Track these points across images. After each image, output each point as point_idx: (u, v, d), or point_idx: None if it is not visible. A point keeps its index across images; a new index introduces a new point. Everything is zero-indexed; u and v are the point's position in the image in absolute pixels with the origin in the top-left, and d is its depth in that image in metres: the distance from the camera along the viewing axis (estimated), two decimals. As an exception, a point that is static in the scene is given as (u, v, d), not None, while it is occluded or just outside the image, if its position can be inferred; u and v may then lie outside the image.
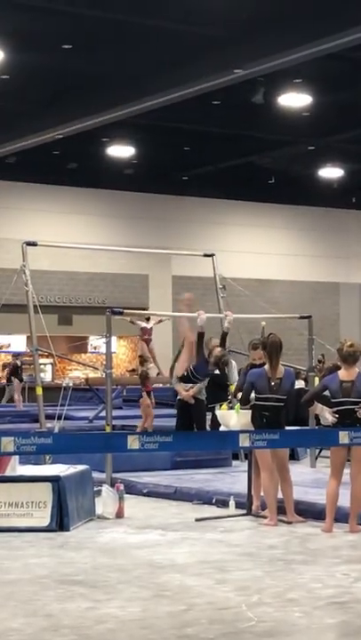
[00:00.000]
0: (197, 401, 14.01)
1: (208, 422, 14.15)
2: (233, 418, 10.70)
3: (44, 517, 9.44)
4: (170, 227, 30.02)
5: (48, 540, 8.99)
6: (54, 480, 9.56)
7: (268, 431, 8.89)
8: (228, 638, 5.94)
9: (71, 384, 14.71)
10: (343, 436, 8.70)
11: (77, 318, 29.20)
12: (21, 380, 24.11)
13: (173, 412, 15.54)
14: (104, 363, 14.08)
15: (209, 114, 20.90)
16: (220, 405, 12.18)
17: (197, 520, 10.03)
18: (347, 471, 9.48)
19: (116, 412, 15.02)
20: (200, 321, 13.04)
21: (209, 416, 14.23)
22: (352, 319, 33.39)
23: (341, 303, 33.59)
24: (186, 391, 14.06)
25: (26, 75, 17.35)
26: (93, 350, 30.01)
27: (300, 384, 15.27)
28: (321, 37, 13.87)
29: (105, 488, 10.43)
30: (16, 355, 25.62)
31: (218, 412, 11.71)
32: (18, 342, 28.47)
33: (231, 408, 11.15)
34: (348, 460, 9.49)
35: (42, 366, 22.24)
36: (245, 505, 10.38)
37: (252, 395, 10.07)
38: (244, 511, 10.33)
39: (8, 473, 9.71)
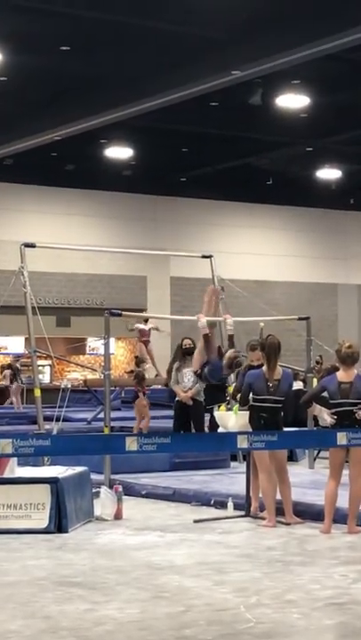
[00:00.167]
0: (196, 402, 14.03)
1: (206, 424, 14.16)
2: (231, 419, 10.71)
3: (42, 519, 9.43)
4: (168, 228, 30.03)
5: (46, 542, 8.99)
6: (53, 482, 9.56)
7: (267, 432, 8.88)
8: (226, 639, 5.94)
9: (69, 385, 14.69)
10: (341, 437, 8.71)
11: (76, 320, 29.19)
12: (21, 382, 24.11)
13: (170, 413, 15.55)
14: (102, 364, 14.07)
15: (207, 115, 20.91)
16: (219, 407, 12.18)
17: (196, 521, 10.04)
18: (346, 472, 9.48)
19: (114, 414, 15.03)
20: (200, 324, 13.04)
21: (207, 417, 14.25)
22: (350, 320, 33.40)
23: (340, 304, 33.60)
24: (184, 392, 14.07)
25: (24, 76, 17.35)
26: (92, 352, 30.02)
27: (298, 385, 15.27)
28: (320, 38, 13.86)
29: (103, 489, 10.43)
30: (16, 357, 25.65)
31: (216, 414, 11.72)
32: (16, 344, 28.47)
33: (229, 409, 11.16)
34: (347, 462, 9.49)
35: (40, 368, 22.23)
36: (244, 506, 10.38)
37: (250, 396, 10.08)
38: (243, 512, 10.33)
39: (6, 475, 9.71)
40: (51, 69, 17.04)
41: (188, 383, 14.15)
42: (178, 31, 14.78)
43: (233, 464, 13.84)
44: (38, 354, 14.56)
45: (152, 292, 30.19)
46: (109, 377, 12.78)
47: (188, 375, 14.14)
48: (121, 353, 30.98)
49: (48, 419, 13.97)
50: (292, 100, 19.50)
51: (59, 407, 13.50)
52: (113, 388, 17.38)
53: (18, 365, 24.71)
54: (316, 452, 13.87)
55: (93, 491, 10.38)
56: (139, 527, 9.81)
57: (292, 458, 13.75)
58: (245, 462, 10.93)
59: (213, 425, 12.72)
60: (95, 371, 22.49)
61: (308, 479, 12.10)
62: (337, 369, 9.86)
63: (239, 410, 10.53)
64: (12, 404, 23.95)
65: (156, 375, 22.19)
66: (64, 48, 15.98)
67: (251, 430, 9.71)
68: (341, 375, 9.48)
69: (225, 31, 14.66)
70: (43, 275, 26.34)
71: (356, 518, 9.37)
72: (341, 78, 18.44)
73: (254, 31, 14.29)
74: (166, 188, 29.37)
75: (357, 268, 33.67)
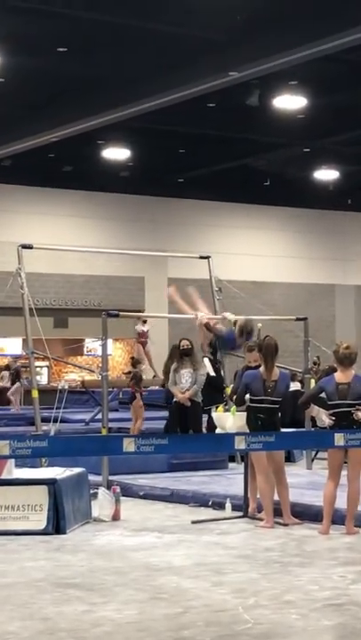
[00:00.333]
0: (193, 403, 14.02)
1: (204, 424, 14.16)
2: (229, 420, 10.70)
3: (40, 520, 9.42)
4: (165, 229, 30.04)
5: (44, 543, 8.98)
6: (50, 483, 9.55)
7: (264, 433, 8.88)
8: (224, 641, 5.95)
9: (67, 387, 14.71)
10: (339, 438, 8.71)
11: (73, 321, 29.19)
12: (24, 383, 24.13)
13: (166, 414, 15.55)
14: (100, 365, 14.07)
15: (204, 116, 20.91)
16: (216, 408, 12.19)
17: (194, 522, 10.03)
18: (344, 473, 9.48)
19: (112, 415, 15.01)
20: (199, 314, 13.15)
21: (205, 418, 14.26)
22: (348, 321, 33.42)
23: (337, 305, 33.62)
24: (182, 393, 14.07)
25: (21, 77, 17.36)
26: (89, 353, 30.02)
27: (296, 386, 15.27)
28: (320, 38, 13.86)
29: (101, 491, 10.43)
30: (15, 358, 25.67)
31: (214, 415, 11.71)
32: (14, 345, 28.46)
33: (227, 410, 11.15)
34: (346, 463, 9.49)
35: (38, 369, 22.24)
36: (242, 507, 10.38)
37: (247, 396, 10.08)
38: (241, 513, 10.33)
39: (4, 476, 9.70)
40: (48, 70, 17.05)
41: (185, 384, 14.14)
42: (175, 32, 14.79)
43: (231, 465, 13.82)
44: (36, 355, 14.56)
45: (150, 293, 30.18)
46: (107, 378, 12.76)
47: (185, 376, 14.14)
48: (119, 354, 30.99)
49: (46, 420, 13.96)
50: (290, 101, 19.50)
51: (56, 408, 13.48)
52: (110, 390, 17.36)
53: (19, 366, 24.71)
54: (313, 452, 13.87)
55: (91, 492, 10.38)
56: (137, 528, 9.80)
57: (289, 459, 13.74)
58: (243, 463, 10.93)
59: (211, 426, 12.71)
60: (93, 372, 22.43)
61: (305, 480, 12.10)
62: (335, 370, 9.87)
63: (236, 410, 10.53)
64: (8, 404, 23.95)
65: (154, 376, 22.22)
66: (61, 49, 15.98)
67: (248, 431, 9.70)
68: (339, 376, 9.48)
69: (223, 32, 14.67)
70: (40, 276, 26.35)
71: (354, 519, 9.36)
72: (339, 79, 18.45)
73: (252, 32, 14.29)
74: (164, 189, 29.38)
75: (355, 269, 33.69)
